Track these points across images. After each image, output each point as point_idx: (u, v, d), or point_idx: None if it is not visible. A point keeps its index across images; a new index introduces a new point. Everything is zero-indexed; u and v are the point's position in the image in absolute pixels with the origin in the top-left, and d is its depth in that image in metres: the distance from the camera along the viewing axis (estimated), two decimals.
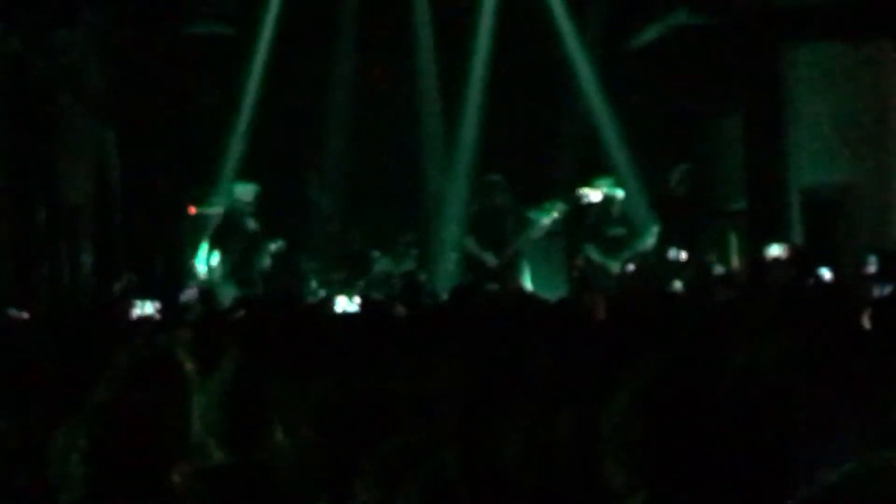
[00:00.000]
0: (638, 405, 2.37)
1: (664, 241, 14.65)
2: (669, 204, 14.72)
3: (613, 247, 14.87)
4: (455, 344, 4.72)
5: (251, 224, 15.16)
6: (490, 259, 14.81)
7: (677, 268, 14.07)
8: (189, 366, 5.86)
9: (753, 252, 13.81)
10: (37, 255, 11.02)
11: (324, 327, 8.05)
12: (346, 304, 11.00)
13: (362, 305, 10.79)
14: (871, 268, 11.18)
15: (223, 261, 14.92)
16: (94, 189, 14.48)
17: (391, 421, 3.68)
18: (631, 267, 14.56)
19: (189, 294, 12.52)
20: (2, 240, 9.90)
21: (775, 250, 11.73)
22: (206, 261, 15.26)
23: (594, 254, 14.93)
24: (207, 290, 12.84)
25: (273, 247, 15.09)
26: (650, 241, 14.85)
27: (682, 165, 15.07)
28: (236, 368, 4.27)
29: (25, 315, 9.08)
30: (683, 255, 14.20)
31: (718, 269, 13.94)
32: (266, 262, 15.01)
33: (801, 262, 11.49)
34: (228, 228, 15.04)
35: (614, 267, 14.75)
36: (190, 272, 15.73)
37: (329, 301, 11.60)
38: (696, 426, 2.33)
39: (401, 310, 9.18)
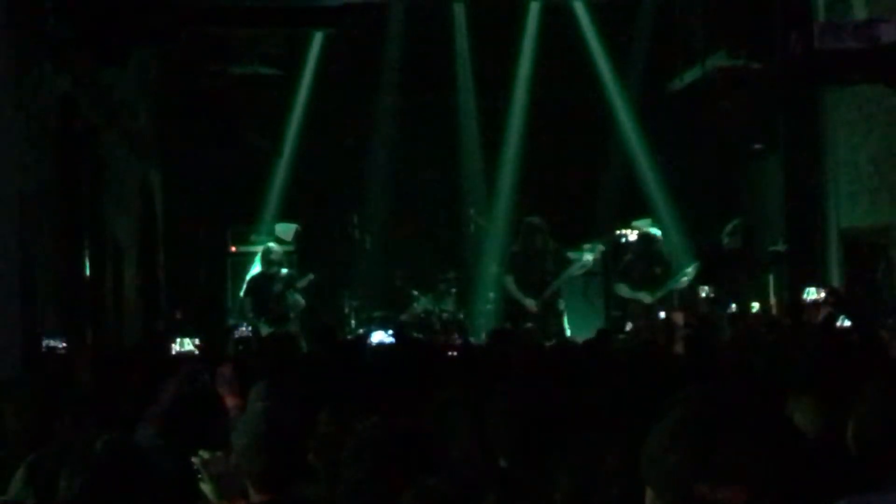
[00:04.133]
0: (674, 437, 2.44)
1: (702, 283, 14.67)
2: (719, 257, 14.72)
3: (649, 285, 14.93)
4: (501, 385, 4.76)
5: (285, 268, 15.34)
6: (529, 304, 14.86)
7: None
8: (231, 401, 5.95)
9: (792, 293, 13.81)
10: (82, 291, 11.15)
11: (363, 365, 8.14)
12: (382, 337, 11.08)
13: (397, 337, 10.87)
14: None
15: (255, 302, 15.09)
16: (138, 227, 14.66)
17: (433, 460, 3.72)
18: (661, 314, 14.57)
19: (242, 331, 12.69)
20: (48, 276, 10.04)
21: (812, 294, 11.71)
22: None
23: (624, 290, 15.03)
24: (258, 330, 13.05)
25: (301, 283, 15.23)
26: (686, 280, 14.89)
27: (735, 220, 15.06)
28: (265, 407, 4.28)
29: (63, 344, 9.20)
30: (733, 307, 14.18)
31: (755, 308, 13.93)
32: (295, 297, 15.14)
33: (839, 304, 11.46)
34: (264, 279, 15.21)
35: (645, 298, 14.82)
36: (232, 310, 15.91)
37: (365, 337, 11.69)
38: (729, 458, 2.39)
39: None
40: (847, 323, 9.15)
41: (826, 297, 11.06)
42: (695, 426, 2.44)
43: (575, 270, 15.28)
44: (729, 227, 14.85)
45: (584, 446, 3.74)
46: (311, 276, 15.40)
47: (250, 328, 12.88)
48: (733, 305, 13.97)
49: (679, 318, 12.56)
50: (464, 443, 4.52)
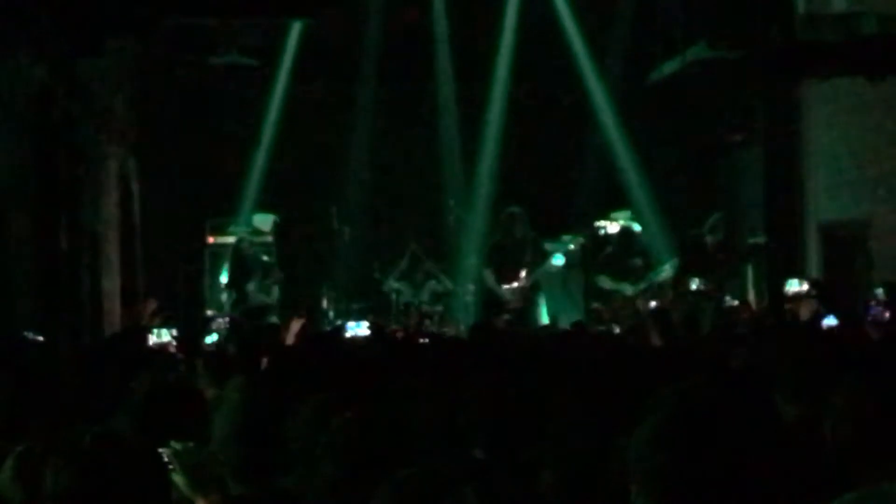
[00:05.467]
0: (660, 435, 2.42)
1: (686, 276, 14.68)
2: (701, 251, 14.72)
3: (631, 277, 14.95)
4: (481, 376, 4.75)
5: (261, 257, 15.33)
6: (507, 296, 14.85)
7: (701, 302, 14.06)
8: (210, 393, 5.92)
9: (771, 286, 13.81)
10: (59, 281, 11.09)
11: (340, 357, 8.11)
12: (357, 328, 11.05)
13: (373, 330, 10.84)
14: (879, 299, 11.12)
15: (236, 297, 15.12)
16: (115, 217, 14.60)
17: (410, 453, 3.70)
18: (653, 304, 14.57)
19: (219, 323, 12.68)
20: (24, 266, 9.99)
21: (795, 286, 11.70)
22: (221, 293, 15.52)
23: (606, 282, 15.04)
24: (236, 320, 13.05)
25: (270, 280, 15.27)
26: (667, 272, 14.90)
27: (715, 214, 15.08)
28: (243, 399, 4.25)
29: (40, 339, 9.15)
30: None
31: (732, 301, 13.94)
32: (268, 287, 15.16)
33: (823, 295, 11.47)
34: (239, 268, 15.21)
35: (626, 290, 14.84)
36: (211, 301, 15.87)
37: (341, 329, 11.67)
38: (714, 458, 2.38)
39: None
40: (834, 321, 9.15)
41: (809, 290, 11.06)
42: (681, 425, 2.43)
43: (554, 263, 15.29)
44: (710, 223, 14.87)
45: (568, 437, 3.73)
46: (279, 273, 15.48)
47: (227, 319, 12.87)
48: (728, 298, 13.97)
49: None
50: (438, 434, 4.51)
